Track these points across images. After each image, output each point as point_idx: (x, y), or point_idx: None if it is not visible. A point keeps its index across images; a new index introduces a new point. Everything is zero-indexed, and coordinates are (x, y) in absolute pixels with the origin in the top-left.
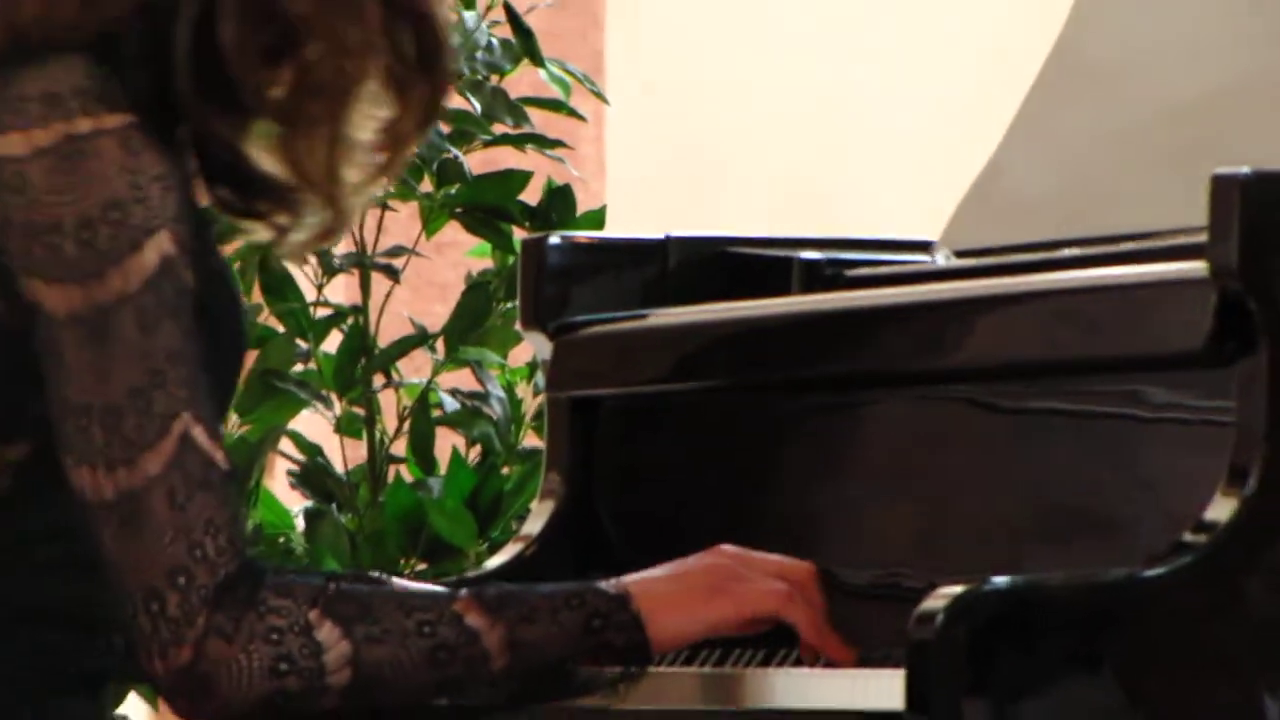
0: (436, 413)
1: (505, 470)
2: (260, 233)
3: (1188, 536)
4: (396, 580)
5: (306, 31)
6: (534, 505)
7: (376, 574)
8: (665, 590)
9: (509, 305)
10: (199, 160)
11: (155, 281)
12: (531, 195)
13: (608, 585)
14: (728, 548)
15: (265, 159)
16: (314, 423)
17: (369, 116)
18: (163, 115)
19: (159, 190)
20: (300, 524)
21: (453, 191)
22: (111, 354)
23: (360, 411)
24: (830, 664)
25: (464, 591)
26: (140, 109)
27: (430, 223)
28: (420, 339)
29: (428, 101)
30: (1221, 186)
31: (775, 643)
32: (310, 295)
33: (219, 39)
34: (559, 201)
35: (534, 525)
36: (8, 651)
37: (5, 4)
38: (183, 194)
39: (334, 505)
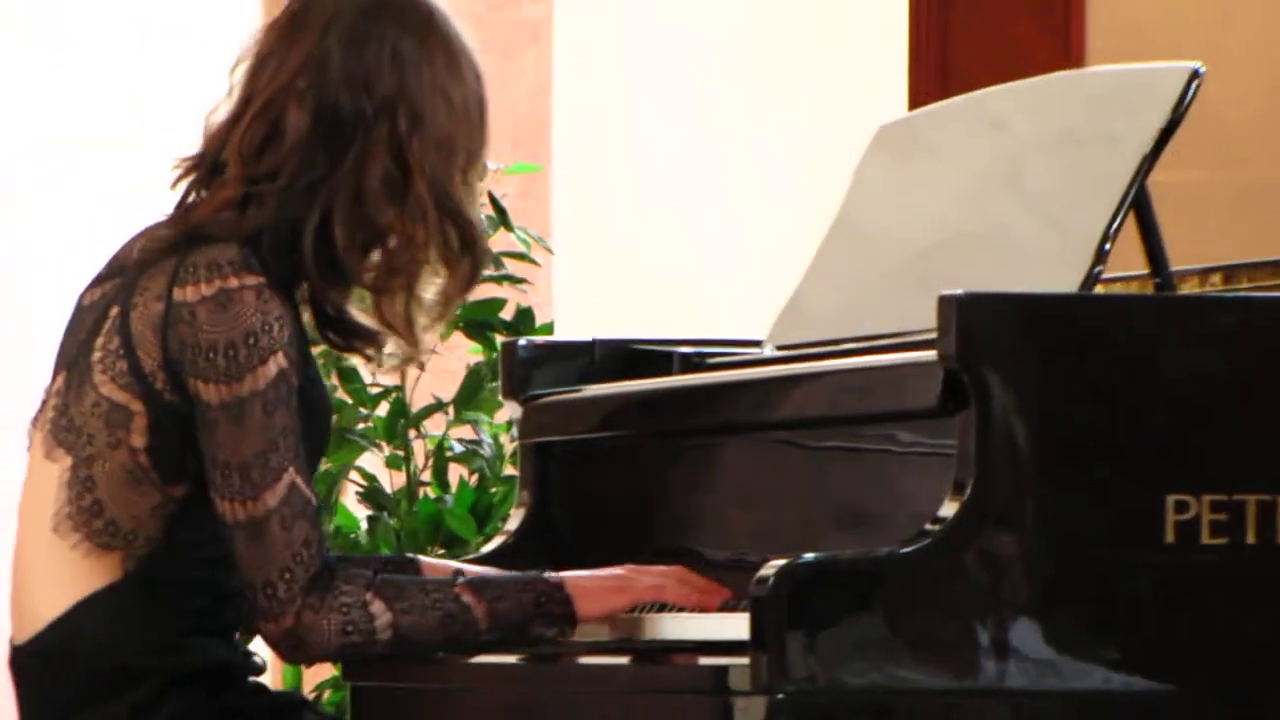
0: (449, 454)
1: (494, 490)
2: (353, 359)
3: (927, 526)
4: (425, 560)
5: (389, 232)
6: (512, 512)
7: (412, 557)
8: (587, 585)
9: (494, 384)
10: (313, 312)
11: (274, 383)
12: (506, 313)
13: (551, 577)
14: (630, 566)
15: (361, 314)
16: (371, 461)
17: (431, 282)
18: (286, 279)
19: (279, 325)
20: (364, 526)
21: (458, 311)
22: (245, 429)
23: (400, 453)
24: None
25: (460, 579)
26: (270, 274)
27: (445, 335)
28: (438, 406)
29: (469, 274)
30: (943, 303)
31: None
32: (368, 379)
33: (333, 239)
34: (524, 318)
35: (512, 525)
36: (179, 609)
37: (184, 212)
38: (294, 327)
39: (385, 513)
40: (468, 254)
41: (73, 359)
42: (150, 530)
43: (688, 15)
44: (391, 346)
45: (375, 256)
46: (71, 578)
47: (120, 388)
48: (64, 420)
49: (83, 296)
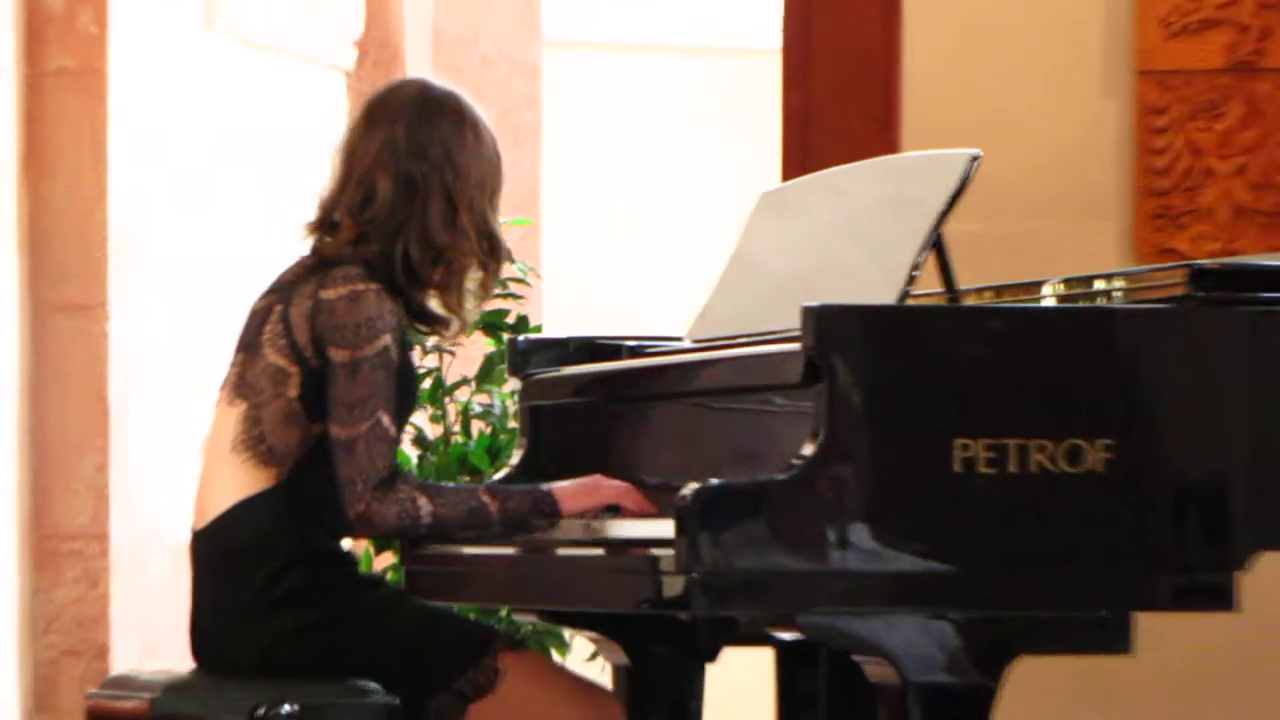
0: (472, 413)
1: (502, 437)
2: (431, 336)
3: (793, 462)
4: (468, 484)
5: (447, 249)
6: (514, 453)
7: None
8: (568, 491)
9: (502, 366)
10: (406, 311)
11: (380, 353)
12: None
13: (543, 486)
14: (598, 477)
15: (434, 304)
16: (419, 418)
17: (472, 280)
18: (393, 287)
19: (389, 316)
20: (414, 461)
21: (479, 318)
22: (356, 380)
23: (439, 413)
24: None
25: (483, 486)
26: (387, 281)
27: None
28: (464, 381)
29: (496, 269)
30: (805, 312)
31: None
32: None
33: (412, 259)
34: (522, 322)
35: (514, 460)
36: (306, 511)
37: (316, 251)
38: (398, 323)
39: (428, 453)
40: (495, 256)
41: (247, 342)
42: (296, 455)
43: (640, 126)
44: (453, 325)
45: (440, 267)
46: (238, 484)
47: (281, 356)
48: (241, 381)
49: (253, 305)
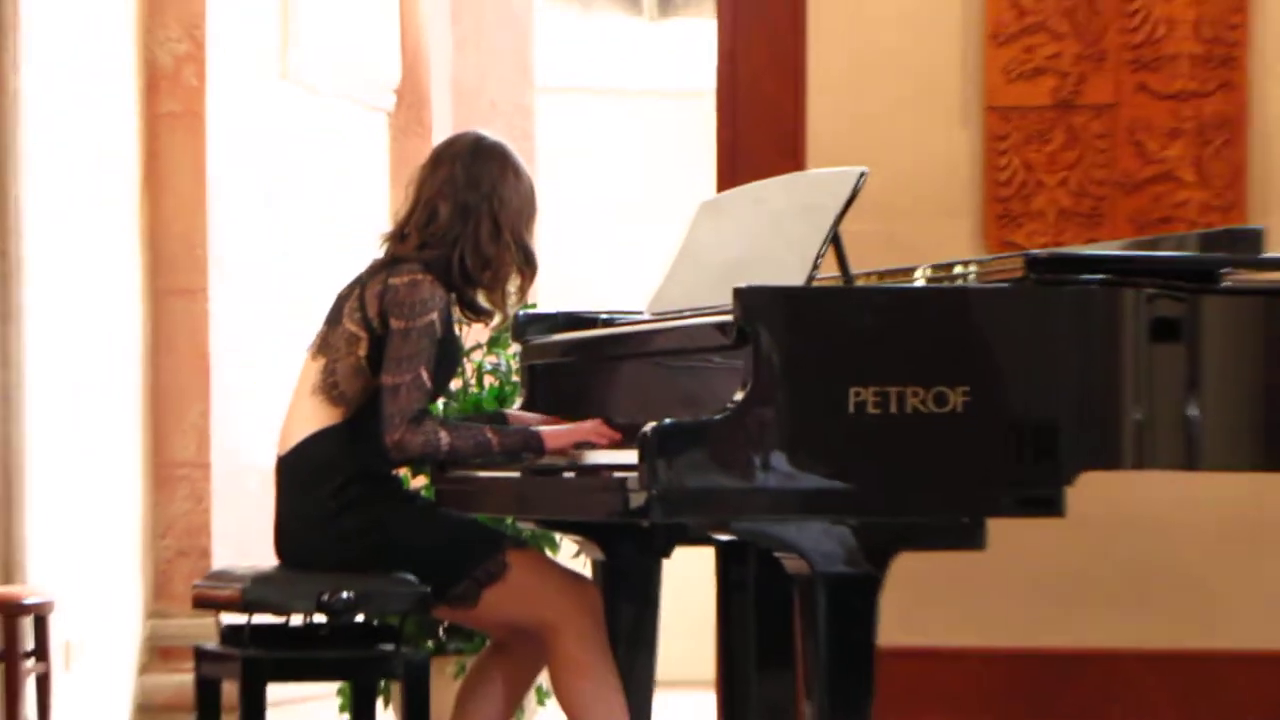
0: (485, 370)
1: (508, 388)
2: (478, 324)
3: (728, 406)
4: (508, 412)
5: (494, 259)
6: (517, 399)
7: (501, 412)
8: (550, 431)
9: (508, 333)
10: (459, 304)
11: (428, 325)
12: None
13: (533, 428)
14: (575, 424)
15: (482, 299)
16: None
17: (513, 284)
18: (445, 285)
19: (438, 299)
20: (440, 407)
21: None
22: (407, 342)
23: (460, 370)
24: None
25: (489, 425)
26: (441, 276)
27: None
28: (477, 346)
29: (531, 277)
30: (736, 291)
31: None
32: None
33: (467, 265)
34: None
35: (516, 405)
36: (366, 442)
37: (389, 255)
38: (445, 306)
39: (452, 400)
40: (529, 268)
41: (333, 316)
42: (360, 399)
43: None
44: (497, 318)
45: (489, 269)
46: (314, 419)
47: (356, 325)
48: (325, 342)
49: (340, 291)
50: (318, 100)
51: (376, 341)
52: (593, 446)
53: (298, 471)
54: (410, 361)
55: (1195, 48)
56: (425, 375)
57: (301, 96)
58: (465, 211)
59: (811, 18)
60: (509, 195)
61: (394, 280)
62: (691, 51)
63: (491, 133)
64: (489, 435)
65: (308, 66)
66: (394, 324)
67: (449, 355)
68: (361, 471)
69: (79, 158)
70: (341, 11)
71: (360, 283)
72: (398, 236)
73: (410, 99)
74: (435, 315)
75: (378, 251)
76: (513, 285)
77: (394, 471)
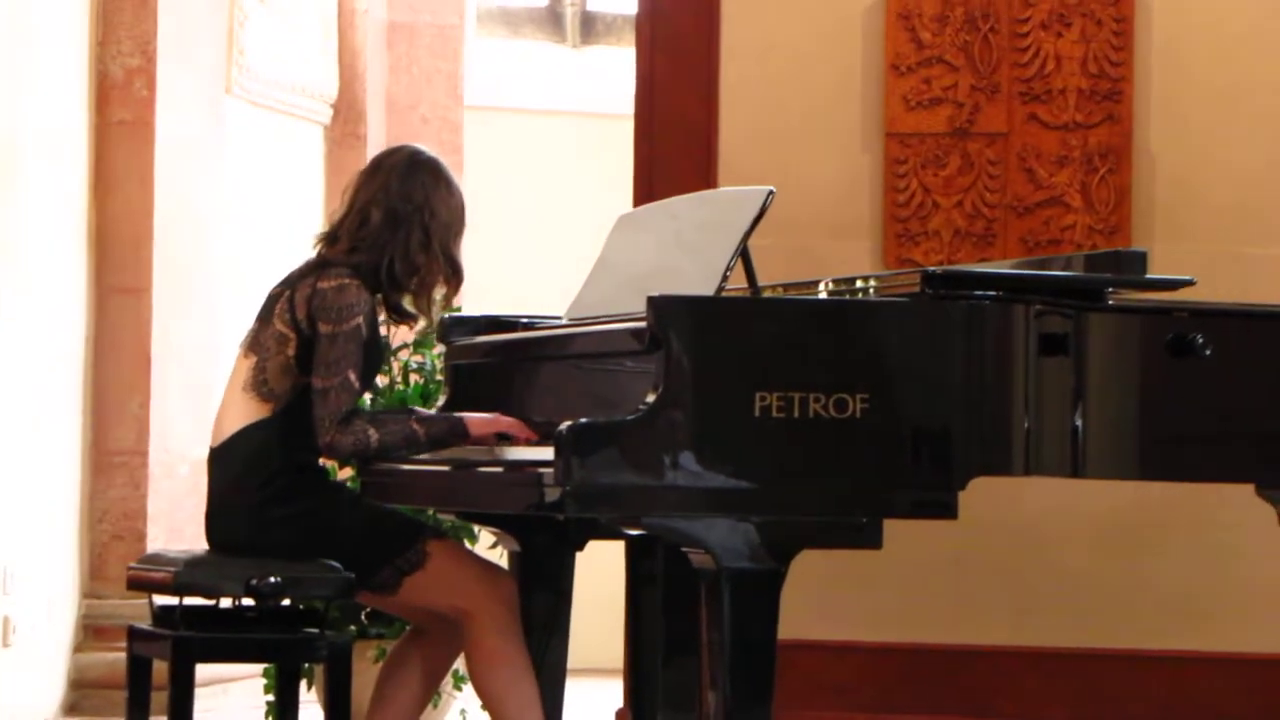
0: (411, 369)
1: (432, 386)
2: (403, 327)
3: (640, 407)
4: (403, 410)
5: (422, 267)
6: (440, 397)
7: (409, 407)
8: (475, 419)
9: (433, 334)
10: (385, 308)
11: (354, 329)
12: None
13: (457, 415)
14: (498, 414)
15: (407, 304)
16: None
17: (438, 292)
18: (371, 288)
19: (365, 303)
20: (368, 403)
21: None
22: (335, 346)
23: (387, 368)
24: (529, 445)
25: (414, 416)
26: (368, 281)
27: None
28: (404, 345)
29: (456, 286)
30: (649, 300)
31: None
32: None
33: (395, 271)
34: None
35: (440, 403)
36: (293, 436)
37: (320, 257)
38: (370, 309)
39: (378, 396)
40: (455, 278)
41: (264, 315)
42: (289, 396)
43: (533, 167)
44: (422, 322)
45: (415, 278)
46: (244, 414)
47: (285, 326)
48: (256, 341)
49: (271, 290)
50: (259, 113)
51: (305, 342)
52: (513, 440)
53: (228, 463)
54: (338, 365)
55: (1082, 82)
56: (354, 378)
57: (244, 109)
58: (396, 220)
59: (724, 47)
60: (439, 208)
61: (322, 284)
62: (611, 77)
63: (428, 148)
64: (415, 427)
65: (251, 81)
66: (322, 328)
67: (373, 355)
68: (288, 464)
69: (33, 162)
70: (283, 32)
71: (290, 284)
72: (330, 238)
73: (347, 114)
74: (361, 319)
75: (310, 252)
76: (439, 293)
77: (319, 463)
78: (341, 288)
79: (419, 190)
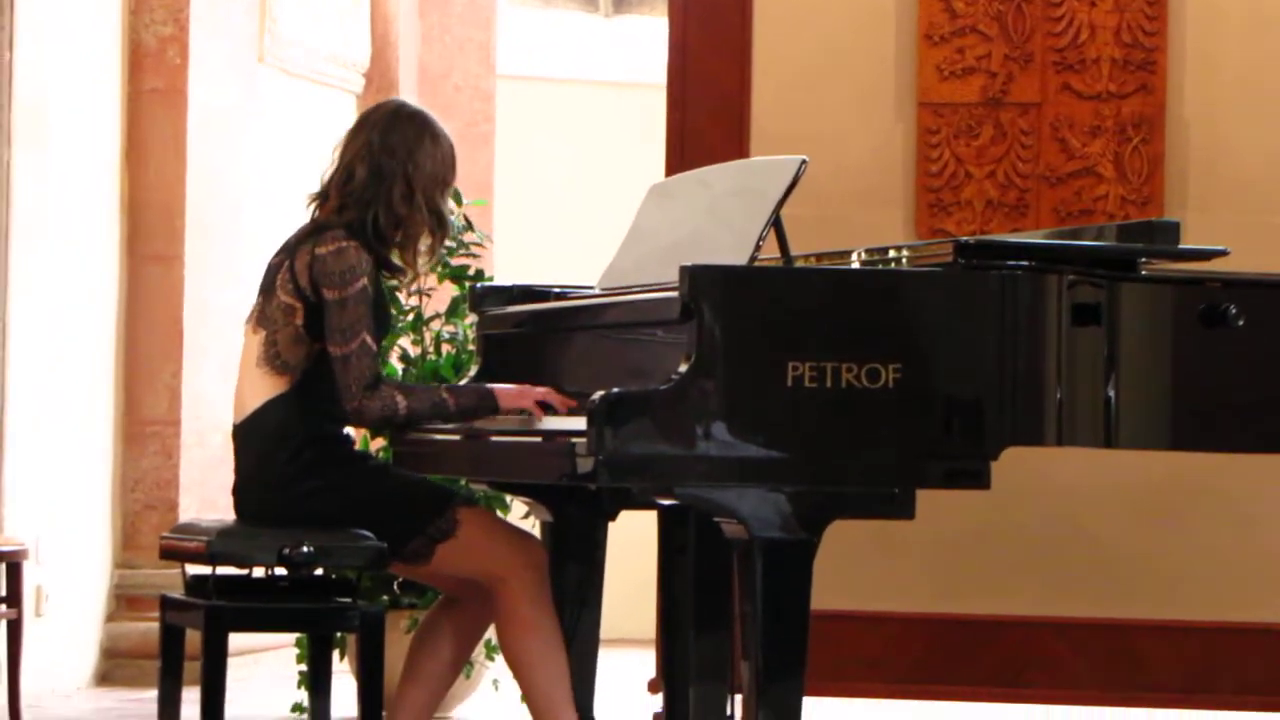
0: (443, 339)
1: (464, 356)
2: (394, 280)
3: (672, 377)
4: (433, 384)
5: (405, 219)
6: (472, 368)
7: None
8: (504, 390)
9: (465, 305)
10: (377, 258)
11: (361, 291)
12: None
13: (487, 386)
14: (526, 385)
15: (396, 257)
16: (404, 341)
17: (424, 241)
18: (368, 245)
19: (365, 264)
20: (400, 374)
21: (449, 268)
22: (344, 310)
23: (419, 338)
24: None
25: (443, 386)
26: (362, 239)
27: (440, 279)
28: (436, 315)
29: (440, 239)
30: (681, 270)
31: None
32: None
33: (380, 224)
34: (479, 273)
35: (472, 373)
36: (315, 406)
37: (313, 219)
38: (373, 268)
39: (410, 367)
40: (440, 230)
41: (266, 287)
42: (304, 366)
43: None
44: (409, 275)
45: (400, 230)
46: (263, 388)
47: (290, 296)
48: (262, 315)
49: (270, 261)
50: (292, 81)
51: (312, 309)
52: (546, 409)
53: (253, 439)
54: (352, 329)
55: (1116, 52)
56: (370, 340)
57: (277, 78)
58: (380, 174)
59: (758, 13)
60: (423, 160)
61: (320, 250)
62: (643, 46)
63: (414, 101)
64: (444, 395)
65: (283, 50)
66: (328, 294)
67: (382, 314)
68: (314, 435)
69: (65, 130)
70: (315, 1)
71: (289, 252)
72: (321, 197)
73: (379, 83)
74: (365, 280)
75: (306, 213)
76: (424, 244)
77: (344, 433)
78: (340, 251)
79: (401, 143)
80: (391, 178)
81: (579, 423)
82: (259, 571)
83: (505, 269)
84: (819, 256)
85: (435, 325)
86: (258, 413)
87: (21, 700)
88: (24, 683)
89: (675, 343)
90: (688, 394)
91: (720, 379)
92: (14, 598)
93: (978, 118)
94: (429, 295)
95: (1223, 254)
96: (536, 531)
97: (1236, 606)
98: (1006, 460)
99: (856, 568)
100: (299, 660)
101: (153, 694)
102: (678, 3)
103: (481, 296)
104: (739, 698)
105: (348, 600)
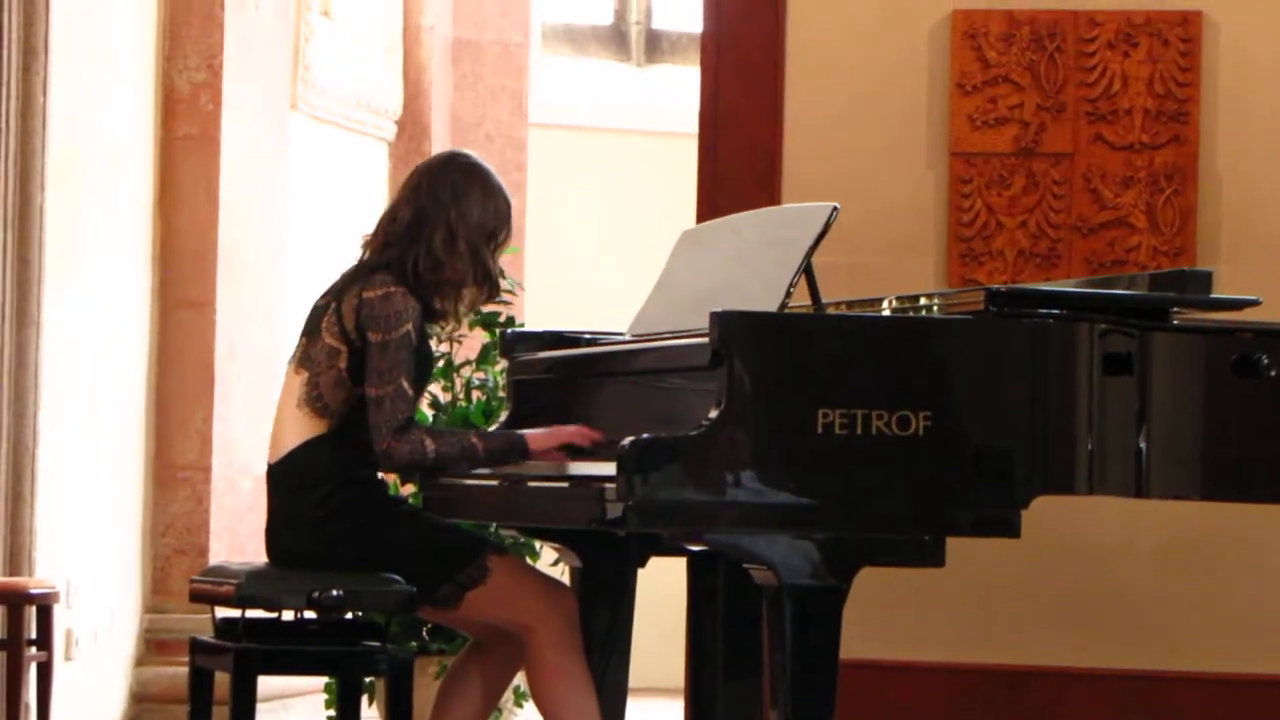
0: (473, 385)
1: (494, 403)
2: (437, 329)
3: (702, 423)
4: (463, 428)
5: (445, 265)
6: (502, 414)
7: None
8: (534, 434)
9: (496, 351)
10: (422, 305)
11: (404, 337)
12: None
13: (518, 432)
14: (557, 426)
15: (436, 303)
16: (434, 388)
17: (469, 291)
18: (414, 288)
19: (411, 310)
20: (430, 419)
21: (480, 314)
22: (386, 354)
23: (449, 384)
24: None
25: (473, 431)
26: (407, 284)
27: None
28: (467, 362)
29: (486, 292)
30: (711, 316)
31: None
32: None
33: (420, 267)
34: (510, 320)
35: (502, 419)
36: (350, 450)
37: (363, 260)
38: (418, 315)
39: (440, 414)
40: (486, 283)
41: (310, 328)
42: (343, 410)
43: (596, 184)
44: (450, 325)
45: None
46: (301, 430)
47: (335, 339)
48: (305, 356)
49: (315, 302)
50: (324, 129)
51: (356, 354)
52: (576, 451)
53: (287, 480)
54: (391, 373)
55: (1148, 102)
56: (407, 385)
57: (309, 125)
58: (423, 217)
59: (790, 62)
60: (469, 209)
61: (368, 294)
62: (675, 95)
63: (475, 154)
64: (474, 440)
65: (315, 97)
66: (372, 337)
67: (423, 362)
68: (347, 479)
69: (99, 174)
70: (348, 48)
71: (336, 295)
72: (372, 239)
73: (411, 130)
74: (410, 326)
75: (357, 254)
76: (468, 295)
77: (379, 477)
78: (388, 296)
79: (446, 189)
80: (435, 222)
81: (609, 468)
82: (288, 615)
83: (536, 316)
84: (850, 304)
85: (466, 371)
86: (294, 453)
87: None
88: None
89: (706, 389)
90: (717, 440)
91: (750, 425)
92: (44, 641)
93: (1010, 167)
94: (460, 342)
95: (1255, 304)
96: (566, 579)
97: (1269, 658)
98: (1037, 509)
99: (887, 616)
100: (328, 706)
101: None
102: (710, 51)
103: (513, 342)
104: None
105: (377, 644)
